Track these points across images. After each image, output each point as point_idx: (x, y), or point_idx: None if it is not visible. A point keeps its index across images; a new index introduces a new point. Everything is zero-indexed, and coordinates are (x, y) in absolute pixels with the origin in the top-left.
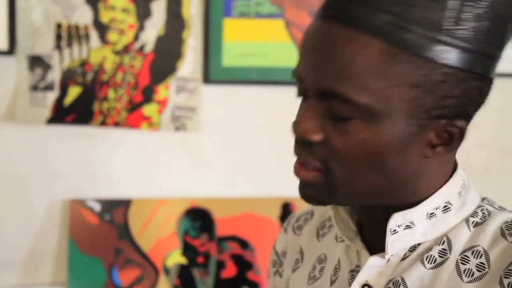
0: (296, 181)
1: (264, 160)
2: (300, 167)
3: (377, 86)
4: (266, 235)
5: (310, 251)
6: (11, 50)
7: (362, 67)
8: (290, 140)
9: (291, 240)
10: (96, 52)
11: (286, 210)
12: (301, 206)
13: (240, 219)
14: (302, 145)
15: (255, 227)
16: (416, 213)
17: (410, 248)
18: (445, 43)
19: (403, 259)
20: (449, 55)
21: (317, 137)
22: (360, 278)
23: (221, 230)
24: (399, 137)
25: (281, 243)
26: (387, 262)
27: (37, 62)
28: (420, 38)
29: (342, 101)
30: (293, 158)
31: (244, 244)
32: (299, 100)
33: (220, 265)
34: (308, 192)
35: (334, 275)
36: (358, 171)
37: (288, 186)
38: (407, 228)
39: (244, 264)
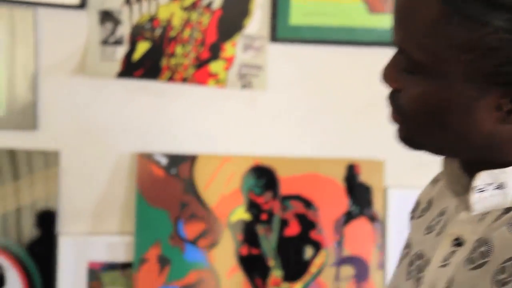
0: (361, 143)
1: (330, 121)
2: (390, 111)
3: (431, 45)
4: (330, 196)
5: (437, 203)
6: (83, 4)
7: (420, 25)
8: (357, 101)
9: (427, 190)
10: (164, 8)
11: (351, 171)
12: (366, 168)
13: (305, 178)
14: (390, 91)
15: (319, 187)
16: (509, 174)
17: (505, 210)
18: (505, 7)
19: (496, 220)
20: (509, 21)
21: (393, 84)
22: (449, 231)
23: (285, 189)
24: (457, 99)
25: (421, 193)
26: (480, 220)
27: (107, 16)
28: (477, 0)
29: (406, 56)
30: (359, 120)
31: (308, 203)
32: (365, 60)
33: (284, 223)
34: (398, 135)
35: (442, 228)
36: (425, 125)
37: (354, 148)
38: (498, 189)
39: (307, 223)
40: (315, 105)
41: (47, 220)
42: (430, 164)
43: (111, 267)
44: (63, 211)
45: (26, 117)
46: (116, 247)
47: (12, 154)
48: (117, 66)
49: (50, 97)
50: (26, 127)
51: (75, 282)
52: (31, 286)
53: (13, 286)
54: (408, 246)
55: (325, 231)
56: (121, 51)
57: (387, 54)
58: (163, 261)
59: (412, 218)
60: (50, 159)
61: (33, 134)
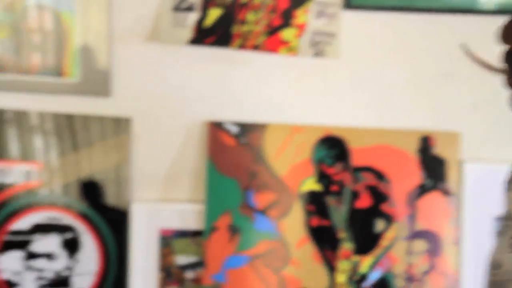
0: (436, 114)
1: (404, 92)
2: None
3: None
4: (402, 168)
5: None
6: None
7: None
8: (432, 70)
9: None
10: None
11: (425, 143)
12: (441, 140)
13: (376, 150)
14: (509, 53)
15: (392, 159)
16: None
17: None
18: None
19: None
20: None
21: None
22: None
23: (356, 160)
24: None
25: None
26: None
27: None
28: None
29: None
30: (434, 90)
31: (379, 175)
32: (442, 28)
33: (355, 195)
34: None
35: None
36: None
37: (428, 119)
38: None
39: (379, 196)
40: (389, 75)
41: (120, 186)
42: (508, 136)
43: (182, 234)
44: (135, 178)
45: (100, 83)
46: (187, 214)
47: (85, 120)
48: (188, 33)
49: (123, 63)
50: (100, 94)
51: (148, 248)
52: (106, 250)
53: (88, 249)
54: (509, 218)
55: (397, 204)
56: (192, 18)
57: (465, 21)
58: (234, 230)
59: (509, 189)
60: (122, 125)
61: (106, 100)
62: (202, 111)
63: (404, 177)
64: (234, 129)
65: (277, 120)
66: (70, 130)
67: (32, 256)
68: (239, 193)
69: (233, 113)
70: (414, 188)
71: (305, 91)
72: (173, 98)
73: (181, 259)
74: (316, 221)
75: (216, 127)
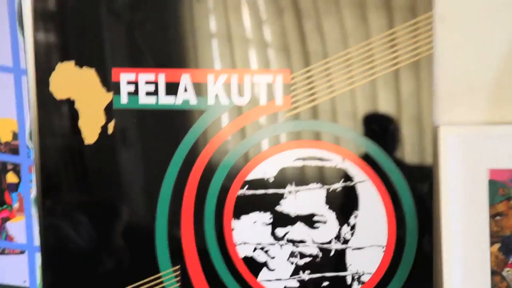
0: None
1: None
2: None
3: None
4: None
5: None
6: None
7: None
8: None
9: None
10: None
11: None
12: None
13: None
14: None
15: None
16: None
17: None
18: None
19: None
20: None
21: None
22: None
23: None
24: None
25: None
26: None
27: None
28: None
29: None
30: None
31: None
32: None
33: None
34: None
35: None
36: None
37: None
38: None
39: None
40: None
41: (419, 107)
42: None
43: None
44: (441, 93)
45: None
46: None
47: None
48: None
49: None
50: None
51: (469, 193)
52: (397, 206)
53: (371, 206)
54: None
55: None
56: None
57: None
58: None
59: None
60: None
61: None
62: None
63: None
64: None
65: None
66: None
67: (281, 220)
68: None
69: None
70: None
71: None
72: None
73: None
74: None
75: None
